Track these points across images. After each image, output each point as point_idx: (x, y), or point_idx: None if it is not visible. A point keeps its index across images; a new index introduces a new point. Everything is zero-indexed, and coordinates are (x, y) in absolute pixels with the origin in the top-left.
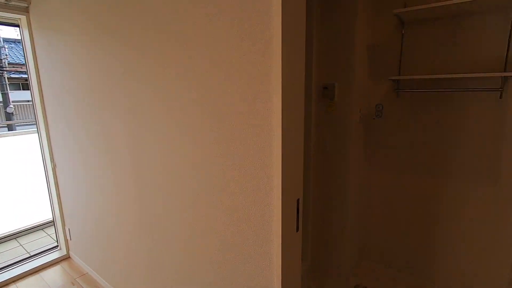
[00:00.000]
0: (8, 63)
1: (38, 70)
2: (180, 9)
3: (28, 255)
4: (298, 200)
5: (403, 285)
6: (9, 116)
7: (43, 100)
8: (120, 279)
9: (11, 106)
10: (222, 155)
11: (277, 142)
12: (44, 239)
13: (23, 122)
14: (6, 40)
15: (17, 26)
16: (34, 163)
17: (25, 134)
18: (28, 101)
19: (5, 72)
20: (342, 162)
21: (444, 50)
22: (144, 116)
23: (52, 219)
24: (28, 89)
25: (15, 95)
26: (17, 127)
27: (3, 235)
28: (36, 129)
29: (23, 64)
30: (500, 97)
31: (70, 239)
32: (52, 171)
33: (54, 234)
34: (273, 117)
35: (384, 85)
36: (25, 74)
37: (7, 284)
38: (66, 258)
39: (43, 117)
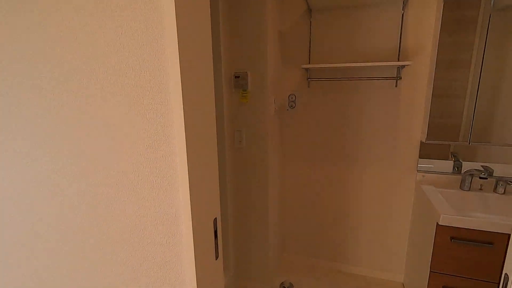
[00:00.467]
0: None
1: None
2: None
3: None
4: (215, 220)
5: (321, 272)
6: None
7: None
8: None
9: None
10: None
11: (180, 147)
12: None
13: None
14: None
15: None
16: None
17: None
18: None
19: None
20: (261, 160)
21: (348, 39)
22: None
23: None
24: None
25: None
26: None
27: None
28: None
29: None
30: (396, 86)
31: None
32: None
33: None
34: (170, 122)
35: (296, 74)
36: None
37: None
38: None
39: None
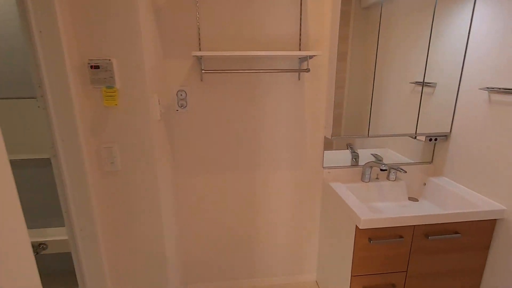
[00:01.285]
0: None
1: None
2: None
3: None
4: None
5: None
6: None
7: None
8: None
9: None
10: None
11: None
12: None
13: None
14: None
15: None
16: None
17: None
18: None
19: None
20: (148, 184)
21: (243, 22)
22: None
23: None
24: None
25: None
26: None
27: None
28: None
29: None
30: (299, 79)
31: None
32: None
33: None
34: None
35: (185, 64)
36: None
37: None
38: None
39: None
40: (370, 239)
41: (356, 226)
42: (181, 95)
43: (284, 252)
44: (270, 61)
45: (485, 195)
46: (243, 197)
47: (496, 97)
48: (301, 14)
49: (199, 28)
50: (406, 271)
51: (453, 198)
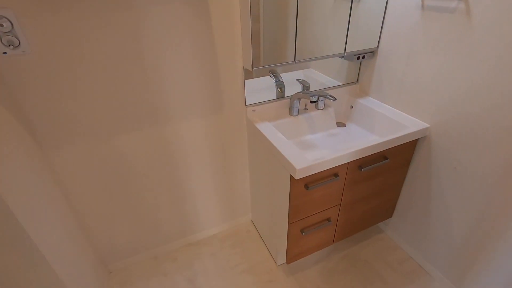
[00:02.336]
0: None
1: None
2: None
3: None
4: None
5: (168, 258)
6: None
7: None
8: None
9: None
10: None
11: None
12: None
13: None
14: None
15: None
16: None
17: None
18: None
19: None
20: None
21: None
22: None
23: None
24: None
25: None
26: None
27: None
28: None
29: None
30: None
31: None
32: None
33: None
34: None
35: None
36: None
37: None
38: None
39: None
40: (306, 186)
41: (291, 176)
42: (4, 26)
43: (215, 203)
44: None
45: (409, 114)
46: (155, 158)
47: (430, 1)
48: None
49: None
50: (340, 204)
51: (380, 119)
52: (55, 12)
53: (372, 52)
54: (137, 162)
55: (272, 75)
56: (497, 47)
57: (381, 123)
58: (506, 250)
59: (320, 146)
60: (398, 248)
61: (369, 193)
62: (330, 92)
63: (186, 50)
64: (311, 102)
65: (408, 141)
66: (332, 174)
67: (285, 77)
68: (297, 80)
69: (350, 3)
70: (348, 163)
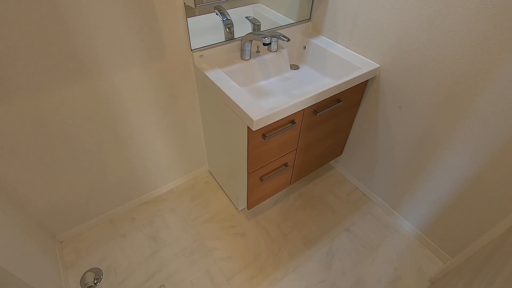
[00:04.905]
0: None
1: None
2: None
3: None
4: None
5: (126, 220)
6: None
7: None
8: None
9: None
10: None
11: None
12: None
13: None
14: None
15: None
16: None
17: None
18: None
19: None
20: None
21: None
22: None
23: None
24: None
25: None
26: None
27: None
28: None
29: None
30: None
31: None
32: None
33: None
34: None
35: None
36: None
37: None
38: None
39: None
40: (264, 136)
41: (248, 127)
42: None
43: (168, 157)
44: None
45: (361, 54)
46: (91, 116)
47: None
48: None
49: None
50: (296, 149)
51: (333, 61)
52: None
53: None
54: (71, 121)
55: (218, 12)
56: None
57: (334, 64)
58: (434, 177)
59: (276, 92)
60: (346, 181)
61: (323, 135)
62: (283, 31)
63: None
64: (264, 44)
65: (360, 82)
66: (289, 121)
67: (233, 14)
68: (246, 18)
69: None
70: (304, 109)
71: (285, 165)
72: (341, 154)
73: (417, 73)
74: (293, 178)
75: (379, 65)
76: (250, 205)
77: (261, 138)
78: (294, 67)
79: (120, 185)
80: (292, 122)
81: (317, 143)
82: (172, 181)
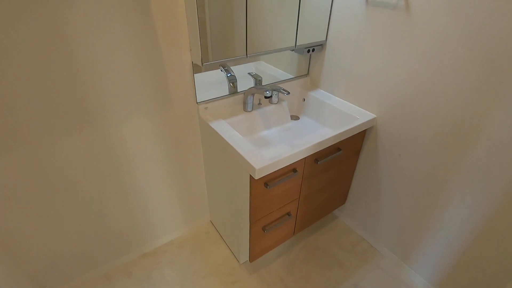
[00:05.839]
0: None
1: None
2: None
3: None
4: None
5: (122, 274)
6: None
7: None
8: None
9: None
10: None
11: None
12: None
13: None
14: None
15: None
16: None
17: None
18: None
19: None
20: None
21: None
22: None
23: None
24: None
25: None
26: None
27: None
28: None
29: None
30: None
31: None
32: None
33: None
34: None
35: None
36: None
37: None
38: None
39: None
40: (266, 185)
41: (251, 176)
42: None
43: (169, 207)
44: None
45: (358, 105)
46: (95, 165)
47: None
48: None
49: None
50: (299, 198)
51: (331, 112)
52: None
53: (321, 45)
54: (74, 168)
55: (223, 69)
56: (432, 39)
57: (332, 115)
58: (442, 224)
59: (277, 141)
60: (352, 232)
61: (325, 183)
62: (283, 85)
63: (123, 42)
64: (265, 97)
65: (358, 132)
66: (291, 169)
67: (236, 70)
68: (249, 74)
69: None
70: (305, 158)
71: (288, 214)
72: (344, 203)
73: (413, 122)
74: (297, 228)
75: (375, 116)
76: (252, 257)
77: (264, 187)
78: (295, 118)
79: (119, 235)
80: (294, 170)
81: (319, 191)
82: (172, 231)
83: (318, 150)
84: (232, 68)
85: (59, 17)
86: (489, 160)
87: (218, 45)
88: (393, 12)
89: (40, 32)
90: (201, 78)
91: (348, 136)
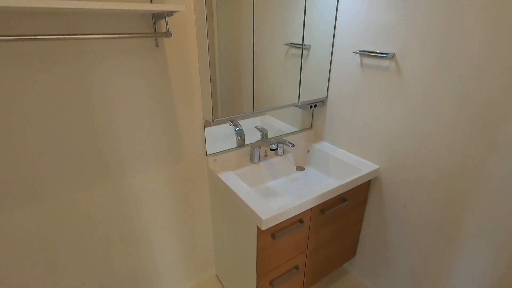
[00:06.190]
0: None
1: None
2: None
3: None
4: None
5: None
6: None
7: None
8: None
9: None
10: None
11: None
12: None
13: None
14: None
15: None
16: None
17: None
18: None
19: None
20: None
21: None
22: None
23: None
24: None
25: None
26: None
27: None
28: None
29: None
30: (157, 45)
31: None
32: None
33: None
34: None
35: None
36: None
37: None
38: None
39: None
40: (273, 236)
41: (258, 226)
42: None
43: (176, 260)
44: (103, 18)
45: (360, 156)
46: (105, 216)
47: (367, 60)
48: None
49: None
50: (306, 250)
51: (335, 163)
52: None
53: (322, 101)
54: (82, 221)
55: (231, 123)
56: (423, 95)
57: (336, 166)
58: (457, 274)
59: (283, 192)
60: (363, 287)
61: (333, 234)
62: (288, 138)
63: (141, 101)
64: (271, 149)
65: (362, 182)
66: (297, 220)
67: (244, 124)
68: (255, 127)
69: (300, 59)
70: (311, 208)
71: (296, 268)
72: (354, 256)
73: (414, 172)
74: (306, 283)
75: (378, 167)
76: None
77: (271, 238)
78: (300, 168)
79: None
80: (301, 221)
81: (327, 243)
82: (177, 284)
83: (324, 201)
84: (240, 122)
85: (84, 78)
86: (497, 206)
87: (227, 103)
88: (386, 73)
89: (66, 88)
90: (211, 131)
91: (353, 187)
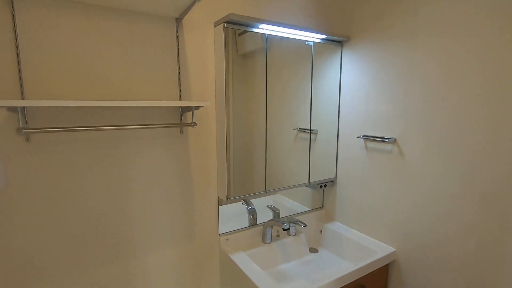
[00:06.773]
0: None
1: None
2: None
3: None
4: None
5: None
6: None
7: None
8: None
9: None
10: None
11: None
12: None
13: None
14: None
15: None
16: None
17: None
18: None
19: None
20: None
21: (96, 56)
22: None
23: None
24: None
25: None
26: None
27: None
28: None
29: None
30: (181, 132)
31: None
32: None
33: None
34: None
35: None
36: None
37: None
38: None
39: None
40: None
41: None
42: None
43: None
44: (139, 112)
45: (374, 237)
46: None
47: (371, 144)
48: (179, 57)
49: (19, 63)
50: None
51: (349, 244)
52: (44, 153)
53: (332, 181)
54: None
55: (244, 202)
56: (428, 178)
57: (351, 248)
58: None
59: (297, 276)
60: None
61: None
62: (299, 217)
63: (163, 181)
64: (284, 229)
65: (380, 266)
66: None
67: (256, 203)
68: (267, 206)
69: (309, 143)
70: None
71: None
72: None
73: (435, 254)
74: None
75: (394, 249)
76: None
77: None
78: (313, 250)
79: None
80: None
81: None
82: None
83: (340, 287)
84: (252, 201)
85: (118, 159)
86: None
87: (241, 183)
88: (389, 155)
89: (105, 169)
90: (223, 209)
91: (370, 271)
